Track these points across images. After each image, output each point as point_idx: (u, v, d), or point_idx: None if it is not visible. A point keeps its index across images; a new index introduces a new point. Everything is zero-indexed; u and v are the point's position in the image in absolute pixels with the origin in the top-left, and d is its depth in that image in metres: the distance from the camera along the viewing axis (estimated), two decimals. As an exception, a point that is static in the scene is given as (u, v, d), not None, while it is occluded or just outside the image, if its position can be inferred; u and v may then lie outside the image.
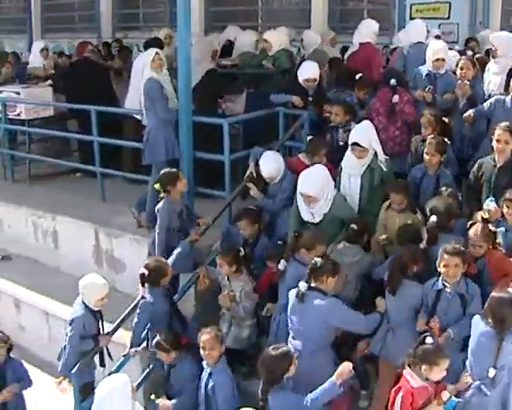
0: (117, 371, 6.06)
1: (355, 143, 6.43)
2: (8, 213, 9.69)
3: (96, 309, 6.25)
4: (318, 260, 5.38)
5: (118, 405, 4.67)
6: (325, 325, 5.24)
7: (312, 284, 5.33)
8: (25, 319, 8.23)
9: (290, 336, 5.45)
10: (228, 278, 6.34)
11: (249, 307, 6.28)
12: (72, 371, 5.99)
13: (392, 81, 7.39)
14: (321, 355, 5.27)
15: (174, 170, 6.95)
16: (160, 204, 6.75)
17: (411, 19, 10.62)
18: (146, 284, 6.10)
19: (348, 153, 6.57)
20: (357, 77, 7.99)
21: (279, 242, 6.41)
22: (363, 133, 6.50)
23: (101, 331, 6.35)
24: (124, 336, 6.58)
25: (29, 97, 10.59)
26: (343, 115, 7.34)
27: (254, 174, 7.17)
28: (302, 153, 7.24)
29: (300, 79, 8.20)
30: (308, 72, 8.23)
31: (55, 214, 8.96)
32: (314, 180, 6.23)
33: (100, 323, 6.32)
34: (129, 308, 6.50)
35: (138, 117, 8.69)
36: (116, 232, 8.16)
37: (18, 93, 10.68)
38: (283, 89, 8.33)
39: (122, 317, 6.46)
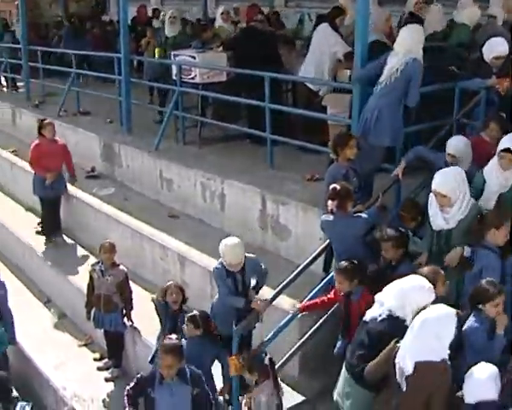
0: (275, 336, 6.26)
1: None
2: (178, 174, 10.15)
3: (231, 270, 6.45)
4: None
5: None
6: None
7: None
8: (188, 276, 8.57)
9: None
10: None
11: None
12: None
13: None
14: None
15: (347, 133, 7.02)
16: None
17: None
18: None
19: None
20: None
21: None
22: None
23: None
24: (285, 302, 6.74)
25: (204, 62, 10.96)
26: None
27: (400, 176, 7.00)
28: (484, 131, 6.99)
29: (489, 56, 7.69)
30: (500, 48, 7.68)
31: (223, 178, 9.26)
32: (449, 178, 5.96)
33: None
34: (291, 275, 6.57)
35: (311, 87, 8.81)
36: (283, 199, 8.31)
37: (194, 57, 11.06)
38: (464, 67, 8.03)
39: (284, 283, 6.54)
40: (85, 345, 9.04)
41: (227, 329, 6.35)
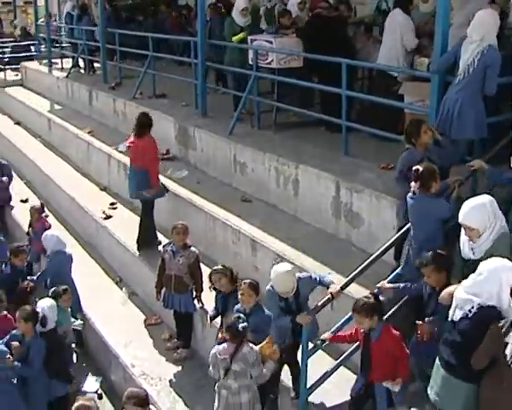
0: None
1: None
2: (252, 158, 10.24)
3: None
4: None
5: None
6: None
7: None
8: (259, 261, 8.64)
9: None
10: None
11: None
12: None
13: None
14: None
15: (417, 120, 6.98)
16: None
17: None
18: None
19: None
20: None
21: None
22: None
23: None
24: (357, 290, 6.73)
25: (280, 47, 10.99)
26: None
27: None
28: None
29: None
30: None
31: (297, 163, 9.28)
32: (477, 211, 5.58)
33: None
34: (363, 264, 6.55)
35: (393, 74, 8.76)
36: (357, 187, 8.29)
37: (270, 42, 11.10)
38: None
39: (356, 272, 6.52)
40: (155, 325, 9.21)
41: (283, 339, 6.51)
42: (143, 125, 9.88)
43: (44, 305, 7.70)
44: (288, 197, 9.44)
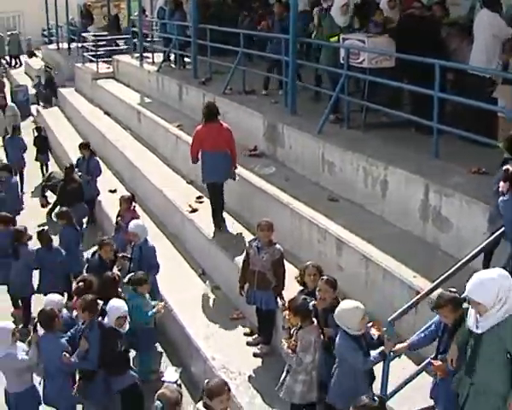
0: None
1: None
2: (340, 158, 10.27)
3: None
4: None
5: None
6: None
7: None
8: (344, 261, 8.69)
9: None
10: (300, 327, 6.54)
11: (303, 361, 6.43)
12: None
13: None
14: None
15: None
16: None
17: None
18: None
19: None
20: None
21: None
22: None
23: None
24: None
25: (373, 46, 11.00)
26: None
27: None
28: None
29: None
30: None
31: (386, 164, 9.28)
32: (487, 286, 5.16)
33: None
34: (450, 270, 6.50)
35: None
36: (447, 191, 8.22)
37: (363, 41, 11.12)
38: None
39: (442, 277, 6.48)
40: (236, 319, 9.35)
41: None
42: (215, 111, 10.55)
43: (113, 303, 7.97)
44: (375, 198, 9.45)
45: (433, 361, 5.88)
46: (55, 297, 8.55)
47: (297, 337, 6.59)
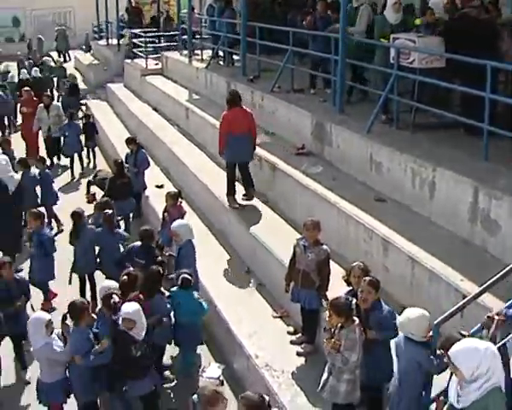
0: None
1: None
2: (388, 158, 10.23)
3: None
4: None
5: None
6: None
7: None
8: (390, 262, 8.67)
9: None
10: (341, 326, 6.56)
11: (350, 360, 6.41)
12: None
13: None
14: None
15: None
16: None
17: None
18: None
19: None
20: None
21: None
22: None
23: None
24: (490, 300, 6.69)
25: (423, 46, 10.93)
26: None
27: None
28: None
29: None
30: None
31: (435, 166, 9.23)
32: (470, 353, 5.02)
33: None
34: (498, 274, 6.45)
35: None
36: (497, 193, 8.15)
37: (413, 41, 11.06)
38: None
39: (490, 282, 6.45)
40: (280, 317, 9.40)
41: None
42: (239, 97, 11.67)
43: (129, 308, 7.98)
44: (423, 199, 9.40)
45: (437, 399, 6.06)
46: (111, 283, 8.81)
47: (339, 336, 6.61)
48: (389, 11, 11.92)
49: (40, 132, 19.30)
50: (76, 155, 18.27)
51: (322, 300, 8.28)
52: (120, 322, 7.82)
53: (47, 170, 14.98)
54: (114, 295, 8.31)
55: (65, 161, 18.87)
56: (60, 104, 20.01)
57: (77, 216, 11.05)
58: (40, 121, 18.68)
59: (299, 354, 8.53)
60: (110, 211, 11.04)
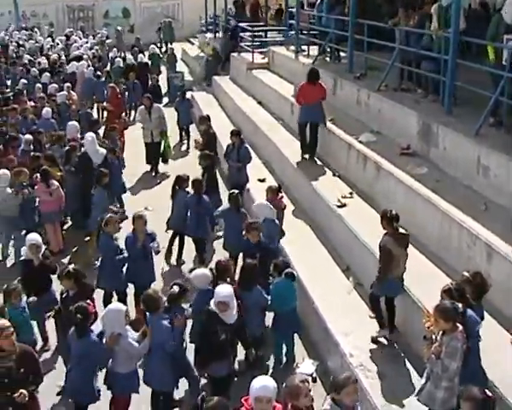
0: None
1: None
2: (497, 162, 9.98)
3: None
4: None
5: None
6: None
7: None
8: (494, 269, 8.47)
9: None
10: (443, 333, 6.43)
11: (449, 368, 6.31)
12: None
13: None
14: None
15: None
16: None
17: None
18: None
19: None
20: None
21: None
22: None
23: None
24: None
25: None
26: None
27: None
28: None
29: None
30: None
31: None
32: None
33: None
34: None
35: None
36: None
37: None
38: None
39: None
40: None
41: None
42: (316, 74, 14.74)
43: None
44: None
45: None
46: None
47: (441, 342, 6.56)
48: (509, 10, 11.49)
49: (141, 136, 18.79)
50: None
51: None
52: (213, 304, 7.97)
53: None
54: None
55: (164, 168, 18.73)
56: (161, 106, 20.19)
57: (178, 179, 12.54)
58: (142, 123, 18.54)
59: (373, 340, 8.81)
60: (200, 177, 12.81)
